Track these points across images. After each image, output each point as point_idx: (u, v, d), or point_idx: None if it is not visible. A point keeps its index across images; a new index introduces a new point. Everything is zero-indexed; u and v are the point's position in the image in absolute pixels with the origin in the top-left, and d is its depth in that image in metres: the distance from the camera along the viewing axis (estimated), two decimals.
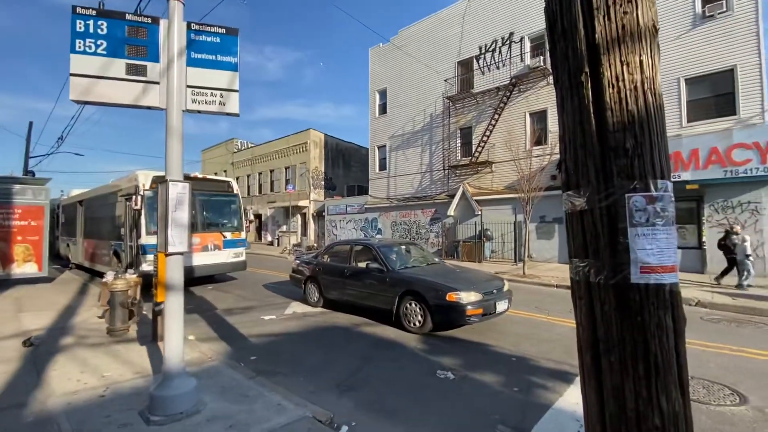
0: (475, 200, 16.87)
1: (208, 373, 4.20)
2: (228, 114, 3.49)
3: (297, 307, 7.96)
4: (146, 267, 8.35)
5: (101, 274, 7.50)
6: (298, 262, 8.79)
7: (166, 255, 3.30)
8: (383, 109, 22.04)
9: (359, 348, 5.45)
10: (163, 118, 3.33)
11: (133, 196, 8.69)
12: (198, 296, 9.27)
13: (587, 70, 1.39)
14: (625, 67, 1.33)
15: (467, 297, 5.67)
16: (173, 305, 3.39)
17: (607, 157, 1.34)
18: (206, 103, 3.39)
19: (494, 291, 6.13)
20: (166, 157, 3.34)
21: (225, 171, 33.80)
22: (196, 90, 3.39)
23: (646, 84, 1.33)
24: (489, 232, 16.47)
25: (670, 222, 1.29)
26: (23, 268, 9.82)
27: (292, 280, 8.83)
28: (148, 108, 3.30)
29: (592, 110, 1.37)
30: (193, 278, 9.88)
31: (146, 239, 8.70)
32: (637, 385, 1.27)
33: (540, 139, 15.45)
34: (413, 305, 6.06)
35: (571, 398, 3.89)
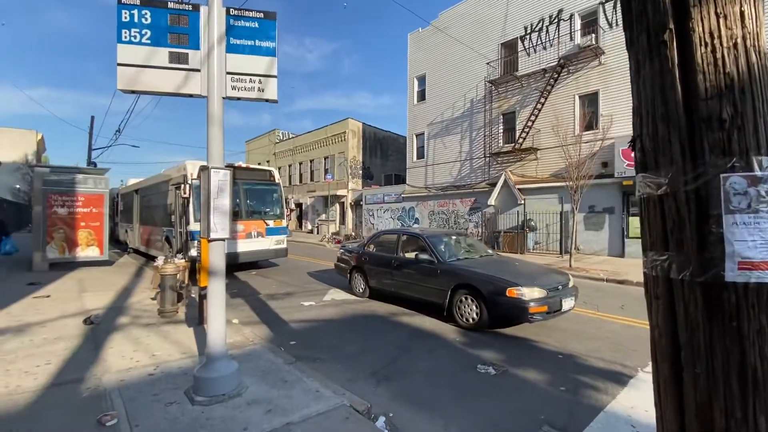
0: (518, 189, 16.19)
1: (250, 357, 4.31)
2: (267, 100, 3.48)
3: (335, 294, 8.05)
4: (194, 252, 8.78)
5: (155, 258, 7.97)
6: (343, 251, 8.66)
7: (209, 241, 3.37)
8: (422, 96, 21.61)
9: (397, 338, 5.39)
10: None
11: (182, 185, 9.16)
12: (242, 281, 9.64)
13: (672, 26, 1.16)
14: (721, 20, 1.09)
15: (530, 293, 5.28)
16: (215, 290, 3.47)
17: (696, 131, 1.12)
18: (245, 89, 3.39)
19: (559, 287, 5.69)
20: (208, 145, 3.39)
21: (268, 161, 34.90)
22: (236, 77, 3.39)
23: (748, 40, 1.08)
24: (533, 223, 15.79)
25: None
26: (86, 251, 10.69)
27: (337, 269, 8.72)
28: (190, 96, 3.34)
29: (677, 75, 1.15)
30: (237, 264, 10.29)
31: (194, 226, 9.12)
32: (729, 403, 1.06)
33: (591, 123, 14.47)
34: (468, 300, 5.73)
35: (625, 401, 3.60)
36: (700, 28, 1.11)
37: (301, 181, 32.51)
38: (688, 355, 1.14)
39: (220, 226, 3.42)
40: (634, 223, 13.58)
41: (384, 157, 29.75)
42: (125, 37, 3.08)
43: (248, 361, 4.15)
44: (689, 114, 1.13)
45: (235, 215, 10.04)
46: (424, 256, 6.48)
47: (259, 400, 3.29)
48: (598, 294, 8.22)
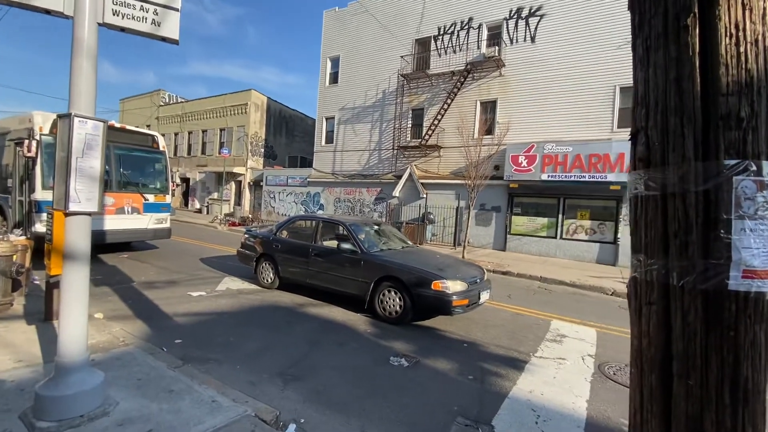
0: (422, 183, 16.88)
1: (121, 362, 3.47)
2: (164, 39, 2.71)
3: (232, 283, 7.21)
4: (41, 227, 6.95)
5: None
6: (248, 236, 7.68)
7: (66, 214, 2.52)
8: (334, 79, 20.91)
9: (304, 331, 4.99)
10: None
11: (26, 141, 7.11)
12: (109, 266, 8.02)
13: (696, 10, 1.06)
14: (747, 12, 1.02)
15: (453, 286, 5.23)
16: (75, 278, 2.62)
17: (712, 127, 1.04)
18: (134, 18, 2.57)
19: (477, 280, 5.77)
20: (71, 85, 2.50)
21: (148, 125, 29.99)
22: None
23: (767, 39, 1.03)
24: (432, 216, 16.66)
25: None
26: None
27: (240, 257, 7.72)
28: (47, 12, 2.41)
29: (698, 64, 1.06)
30: (103, 244, 8.52)
31: (42, 194, 7.21)
32: (720, 414, 1.02)
33: (490, 128, 15.73)
34: (391, 292, 5.53)
35: (524, 386, 3.87)
36: (727, 18, 1.03)
37: (189, 153, 28.85)
38: (682, 365, 1.07)
39: (84, 196, 2.58)
40: (516, 221, 15.32)
41: (290, 137, 28.18)
42: None
43: (118, 368, 3.32)
44: (705, 108, 1.05)
45: (104, 185, 8.25)
46: (346, 246, 6.05)
47: (133, 419, 2.61)
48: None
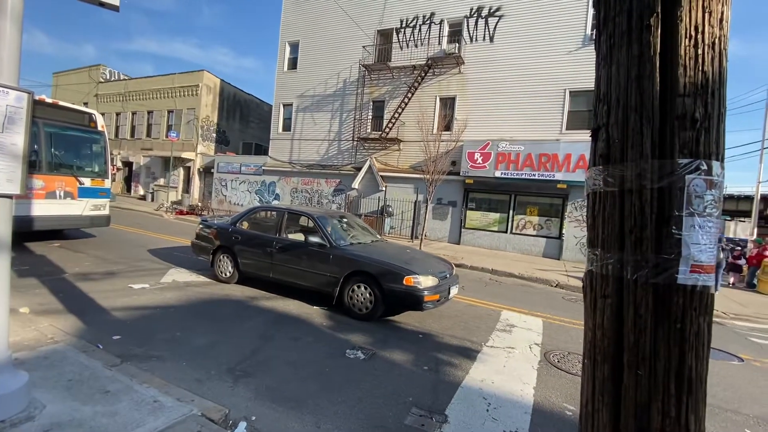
0: (381, 176, 16.88)
1: (49, 361, 3.12)
2: (101, 4, 2.42)
3: (178, 275, 6.78)
4: None
5: None
6: (204, 226, 7.17)
7: None
8: (293, 64, 20.22)
9: (257, 325, 4.80)
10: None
11: None
12: (38, 255, 7.24)
13: (659, 11, 1.08)
14: (707, 15, 1.06)
15: (425, 282, 5.14)
16: None
17: (668, 127, 1.08)
18: None
19: (447, 275, 5.71)
20: None
21: (86, 103, 27.39)
22: None
23: (722, 43, 1.08)
24: (390, 209, 16.73)
25: (720, 215, 1.10)
26: None
27: (195, 249, 7.20)
28: None
29: (658, 64, 1.09)
30: (31, 232, 7.67)
31: None
32: (666, 403, 1.07)
33: (449, 124, 16.01)
34: (361, 288, 5.37)
35: (476, 375, 3.99)
36: (687, 19, 1.06)
37: (133, 135, 26.74)
38: (632, 357, 1.12)
39: (5, 176, 2.27)
40: (471, 215, 15.81)
41: (244, 123, 26.96)
42: None
43: (46, 368, 2.99)
44: (663, 108, 1.09)
45: (32, 166, 7.41)
46: (314, 239, 5.79)
47: (62, 424, 2.36)
48: None
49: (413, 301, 5.11)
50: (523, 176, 13.99)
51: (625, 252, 1.13)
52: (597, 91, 1.24)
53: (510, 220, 15.05)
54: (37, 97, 7.75)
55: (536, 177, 13.75)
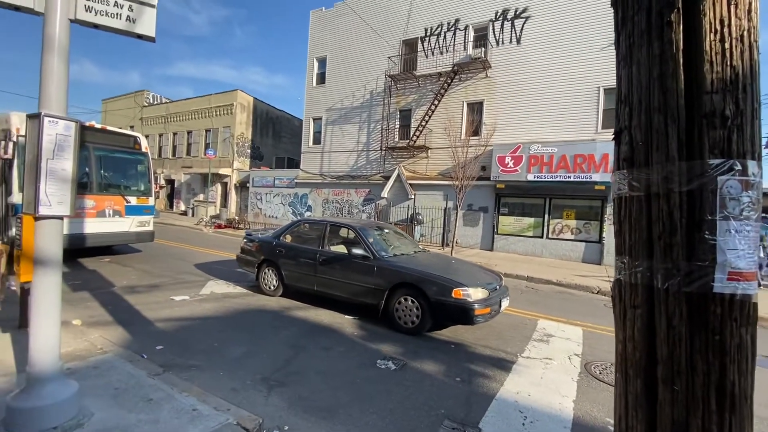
0: (410, 184, 16.87)
1: (98, 371, 3.34)
2: (139, 36, 2.61)
3: (216, 287, 7.06)
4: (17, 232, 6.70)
5: None
6: (248, 240, 7.29)
7: (36, 218, 2.40)
8: (321, 79, 20.78)
9: (290, 335, 4.90)
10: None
11: (2, 142, 6.88)
12: (90, 270, 7.78)
13: (680, 6, 1.04)
14: (732, 8, 1.00)
15: (475, 294, 4.91)
16: (45, 285, 2.51)
17: (696, 126, 1.02)
18: (107, 14, 2.47)
19: (497, 287, 5.45)
20: (41, 85, 2.38)
21: (132, 126, 29.41)
22: None
23: (752, 35, 1.02)
24: (420, 216, 16.65)
25: (759, 217, 1.02)
26: None
27: (240, 263, 7.31)
28: (16, 9, 2.30)
29: (681, 62, 1.03)
30: (84, 248, 8.28)
31: (20, 197, 6.97)
32: (706, 421, 1.00)
33: (477, 129, 15.82)
34: (408, 301, 5.22)
35: (511, 387, 3.85)
36: (711, 13, 1.01)
37: (174, 154, 28.35)
38: (666, 370, 1.05)
39: (56, 199, 2.47)
40: (503, 221, 15.43)
41: (276, 138, 27.91)
42: None
43: (95, 377, 3.20)
44: (689, 107, 1.03)
45: (83, 188, 8.04)
46: (357, 251, 5.71)
47: (109, 431, 2.50)
48: None
49: (462, 314, 4.89)
50: (558, 179, 13.52)
51: (654, 259, 1.07)
52: (618, 92, 1.19)
53: (545, 224, 14.54)
54: (87, 123, 8.43)
55: (572, 179, 13.25)
